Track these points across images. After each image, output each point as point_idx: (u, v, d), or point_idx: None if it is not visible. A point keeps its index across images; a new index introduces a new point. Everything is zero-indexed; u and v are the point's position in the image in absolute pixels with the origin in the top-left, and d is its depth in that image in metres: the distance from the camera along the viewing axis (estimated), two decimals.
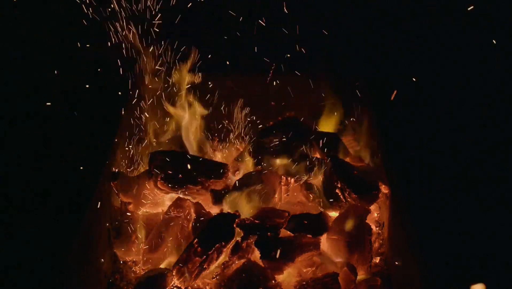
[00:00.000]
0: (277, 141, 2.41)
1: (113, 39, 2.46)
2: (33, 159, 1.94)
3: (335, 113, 2.58)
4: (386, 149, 2.17)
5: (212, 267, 1.99)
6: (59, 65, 2.40)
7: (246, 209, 2.16)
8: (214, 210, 2.20)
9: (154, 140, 2.42)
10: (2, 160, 1.93)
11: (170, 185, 2.19)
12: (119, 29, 2.41)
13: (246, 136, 2.50)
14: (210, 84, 2.46)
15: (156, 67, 2.38)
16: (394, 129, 2.20)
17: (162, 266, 2.04)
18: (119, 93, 2.33)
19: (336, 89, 2.54)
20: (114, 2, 2.32)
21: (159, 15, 2.29)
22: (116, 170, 2.19)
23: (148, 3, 2.28)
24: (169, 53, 2.35)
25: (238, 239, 2.04)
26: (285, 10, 2.35)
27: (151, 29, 2.31)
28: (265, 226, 2.03)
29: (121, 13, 2.40)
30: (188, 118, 2.42)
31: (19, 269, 1.55)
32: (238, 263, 1.98)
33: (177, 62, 2.37)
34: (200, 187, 2.21)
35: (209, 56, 2.38)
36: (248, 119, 2.50)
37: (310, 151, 2.44)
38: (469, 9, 2.03)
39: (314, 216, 2.13)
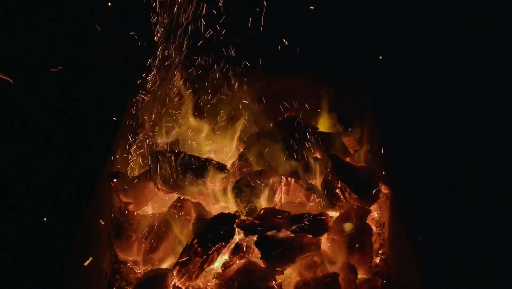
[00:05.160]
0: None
1: (114, 40, 2.47)
2: (33, 158, 1.94)
3: (335, 114, 2.58)
4: (386, 149, 2.17)
5: (213, 267, 1.99)
6: (60, 65, 2.40)
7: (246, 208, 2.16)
8: (214, 210, 2.20)
9: (155, 140, 2.42)
10: (2, 160, 1.93)
11: (170, 185, 2.19)
12: (122, 30, 2.41)
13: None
14: (209, 85, 2.47)
15: (159, 66, 2.39)
16: (394, 129, 2.20)
17: (162, 266, 2.04)
18: (120, 93, 2.33)
19: (336, 90, 2.55)
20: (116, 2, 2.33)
21: (161, 14, 2.29)
22: (116, 170, 2.19)
23: (151, 3, 2.29)
24: (173, 52, 2.35)
25: (238, 239, 2.04)
26: (286, 10, 2.35)
27: (154, 29, 2.31)
28: (265, 226, 2.03)
29: (123, 14, 2.40)
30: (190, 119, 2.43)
31: (19, 269, 1.55)
32: (238, 263, 1.98)
33: (179, 63, 2.38)
34: (200, 187, 2.21)
35: (211, 56, 2.38)
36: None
37: (310, 151, 2.45)
38: None
39: (314, 216, 2.13)
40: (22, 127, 2.09)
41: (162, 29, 2.31)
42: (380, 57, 2.41)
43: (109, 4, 2.32)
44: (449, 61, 2.48)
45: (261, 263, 1.98)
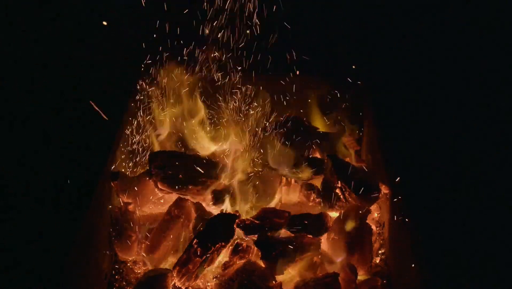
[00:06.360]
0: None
1: (115, 39, 2.47)
2: (33, 158, 1.94)
3: (335, 114, 2.58)
4: (386, 149, 2.17)
5: (213, 267, 1.99)
6: (60, 65, 2.40)
7: (246, 208, 2.16)
8: (214, 210, 2.20)
9: (155, 139, 2.42)
10: (2, 160, 1.93)
11: (170, 185, 2.19)
12: (123, 29, 2.41)
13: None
14: (209, 85, 2.47)
15: (159, 66, 2.40)
16: (394, 129, 2.20)
17: (162, 266, 2.04)
18: (120, 93, 2.33)
19: (336, 90, 2.54)
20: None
21: (163, 15, 2.30)
22: (116, 170, 2.19)
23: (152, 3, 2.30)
24: (172, 52, 2.35)
25: (238, 239, 2.04)
26: (286, 11, 2.35)
27: (155, 29, 2.31)
28: (265, 226, 2.03)
29: (124, 13, 2.40)
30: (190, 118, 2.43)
31: (19, 269, 1.55)
32: (238, 263, 1.98)
33: (179, 63, 2.38)
34: (200, 187, 2.21)
35: (211, 56, 2.38)
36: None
37: (310, 151, 2.45)
38: None
39: (314, 216, 2.13)
40: (22, 127, 2.09)
41: (162, 28, 2.32)
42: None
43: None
44: (449, 61, 2.48)
45: (261, 263, 1.97)
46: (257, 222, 2.04)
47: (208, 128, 2.49)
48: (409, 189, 1.93)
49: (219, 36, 2.34)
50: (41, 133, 2.06)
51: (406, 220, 1.87)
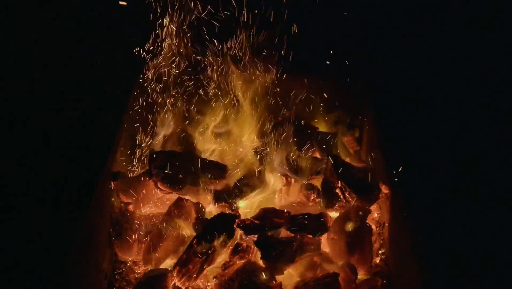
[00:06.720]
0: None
1: (115, 39, 2.47)
2: (33, 158, 1.94)
3: (335, 114, 2.58)
4: (386, 149, 2.17)
5: (213, 267, 1.99)
6: (60, 65, 2.40)
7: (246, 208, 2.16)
8: (214, 210, 2.20)
9: (155, 140, 2.42)
10: (2, 160, 1.93)
11: (170, 185, 2.19)
12: (123, 29, 2.41)
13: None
14: (209, 84, 2.47)
15: (159, 67, 2.40)
16: (394, 129, 2.20)
17: (162, 266, 2.04)
18: (120, 93, 2.33)
19: (336, 90, 2.55)
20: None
21: (163, 14, 2.30)
22: (116, 170, 2.19)
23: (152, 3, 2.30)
24: (171, 53, 2.35)
25: (238, 239, 2.04)
26: (286, 12, 2.35)
27: (154, 30, 2.32)
28: (265, 226, 2.03)
29: (124, 13, 2.41)
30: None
31: (19, 269, 1.55)
32: (238, 263, 1.98)
33: (179, 63, 2.38)
34: (200, 187, 2.21)
35: (211, 56, 2.39)
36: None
37: (310, 151, 2.45)
38: None
39: (314, 216, 2.13)
40: (22, 127, 2.09)
41: (162, 28, 2.32)
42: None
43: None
44: (449, 61, 2.48)
45: (261, 263, 1.97)
46: (257, 222, 2.04)
47: (209, 128, 2.49)
48: (409, 189, 1.93)
49: (218, 36, 2.35)
50: (41, 133, 2.06)
51: (406, 220, 1.87)
